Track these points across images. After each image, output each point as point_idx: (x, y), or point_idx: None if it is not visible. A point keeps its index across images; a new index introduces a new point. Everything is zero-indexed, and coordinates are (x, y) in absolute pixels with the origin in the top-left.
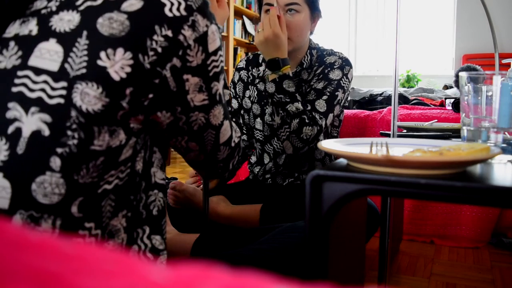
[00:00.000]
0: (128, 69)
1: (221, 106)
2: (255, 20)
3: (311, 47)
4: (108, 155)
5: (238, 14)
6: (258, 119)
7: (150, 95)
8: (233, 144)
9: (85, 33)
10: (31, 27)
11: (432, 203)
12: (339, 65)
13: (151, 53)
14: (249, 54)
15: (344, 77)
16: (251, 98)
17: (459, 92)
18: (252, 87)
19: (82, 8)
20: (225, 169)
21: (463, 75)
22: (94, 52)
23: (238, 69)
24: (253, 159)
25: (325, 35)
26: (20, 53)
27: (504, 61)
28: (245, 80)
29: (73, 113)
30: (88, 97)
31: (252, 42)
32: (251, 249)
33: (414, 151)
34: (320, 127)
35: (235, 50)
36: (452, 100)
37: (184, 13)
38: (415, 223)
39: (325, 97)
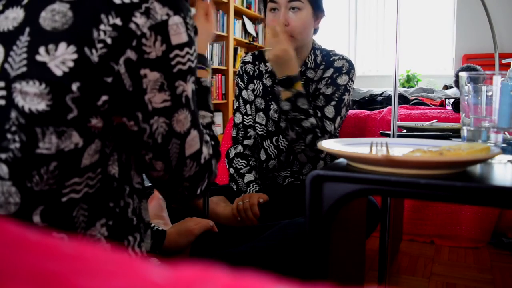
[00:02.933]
0: (71, 64)
1: (188, 111)
2: (254, 20)
3: (315, 47)
4: (62, 160)
5: (238, 14)
6: (261, 113)
7: (104, 97)
8: (202, 161)
9: (27, 29)
10: None
11: (432, 203)
12: (346, 70)
13: (99, 45)
14: (255, 51)
15: (350, 81)
16: (255, 92)
17: (459, 92)
18: (258, 81)
19: (25, 2)
20: (192, 192)
21: (463, 75)
22: (34, 49)
23: (244, 63)
24: None
25: (325, 35)
26: None
27: (504, 61)
28: (251, 74)
29: (13, 115)
30: (30, 96)
31: (252, 42)
32: (249, 247)
33: (414, 151)
34: (329, 133)
35: (235, 50)
36: (452, 100)
37: None
38: (415, 223)
39: (333, 103)
